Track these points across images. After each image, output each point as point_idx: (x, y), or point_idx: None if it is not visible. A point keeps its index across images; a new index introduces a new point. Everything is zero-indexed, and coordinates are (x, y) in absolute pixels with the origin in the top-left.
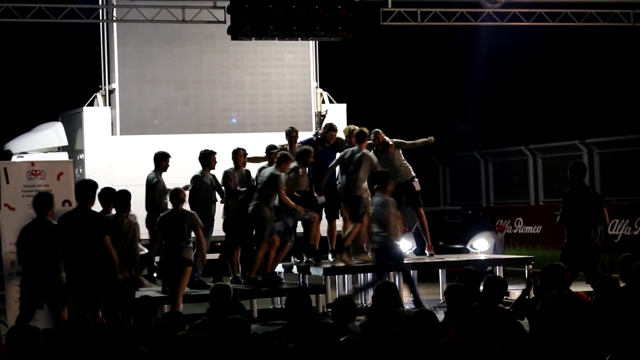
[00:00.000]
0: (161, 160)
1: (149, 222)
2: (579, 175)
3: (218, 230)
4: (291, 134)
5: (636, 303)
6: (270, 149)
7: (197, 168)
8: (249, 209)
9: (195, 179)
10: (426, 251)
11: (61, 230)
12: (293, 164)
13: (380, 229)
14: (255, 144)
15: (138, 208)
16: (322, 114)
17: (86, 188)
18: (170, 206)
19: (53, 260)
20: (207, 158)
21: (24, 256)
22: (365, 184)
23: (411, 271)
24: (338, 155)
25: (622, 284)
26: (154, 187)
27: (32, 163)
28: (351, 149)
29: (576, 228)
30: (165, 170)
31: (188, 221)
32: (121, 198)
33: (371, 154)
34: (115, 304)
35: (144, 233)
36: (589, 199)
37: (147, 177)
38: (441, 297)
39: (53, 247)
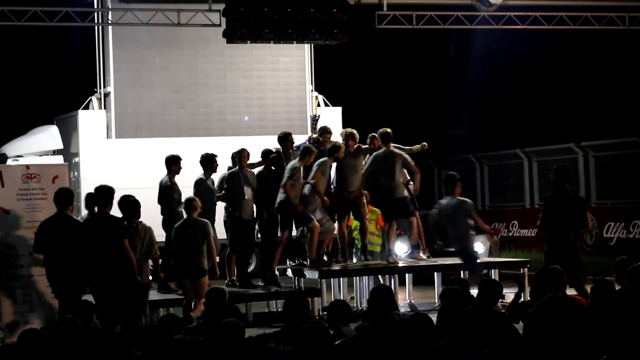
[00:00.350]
0: (172, 163)
1: (165, 226)
2: (563, 179)
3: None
4: (287, 139)
5: (631, 306)
6: (267, 153)
7: (192, 171)
8: (276, 205)
9: (198, 183)
10: (421, 254)
11: (83, 235)
12: (323, 160)
13: (456, 229)
14: (250, 147)
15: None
16: (315, 117)
17: (104, 193)
18: (184, 214)
19: (75, 253)
20: (210, 161)
21: (47, 249)
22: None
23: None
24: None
25: (617, 287)
26: (169, 190)
27: (27, 166)
28: (381, 151)
29: (556, 232)
30: (177, 173)
31: (201, 230)
32: (132, 206)
33: (400, 152)
34: (138, 305)
35: (160, 235)
36: (571, 203)
37: (160, 182)
38: (436, 300)
39: (74, 241)
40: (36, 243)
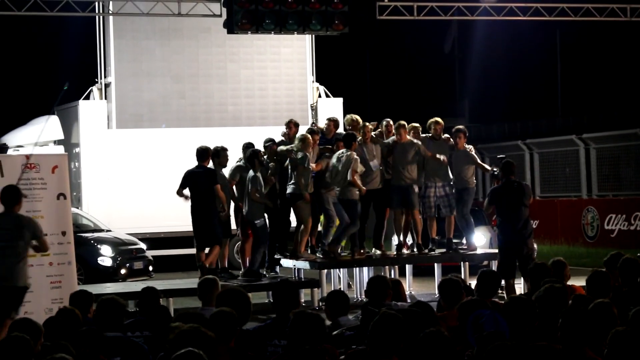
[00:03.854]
0: (215, 156)
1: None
2: (508, 172)
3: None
4: (290, 125)
5: (628, 297)
6: (267, 142)
7: (193, 161)
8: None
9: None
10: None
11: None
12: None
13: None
14: (251, 138)
15: (133, 199)
16: (312, 105)
17: (203, 151)
18: None
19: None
20: (218, 155)
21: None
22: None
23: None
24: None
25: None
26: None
27: (27, 156)
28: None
29: (504, 224)
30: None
31: None
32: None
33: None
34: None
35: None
36: (515, 192)
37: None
38: (436, 292)
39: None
40: None
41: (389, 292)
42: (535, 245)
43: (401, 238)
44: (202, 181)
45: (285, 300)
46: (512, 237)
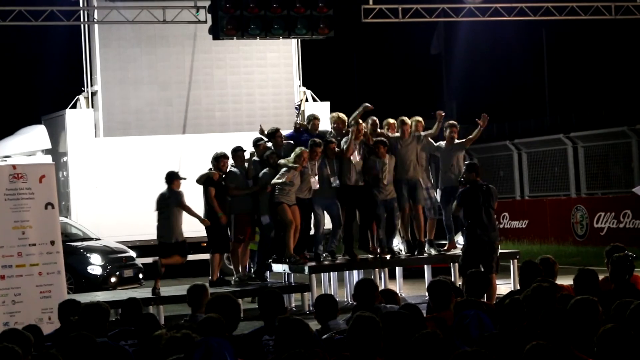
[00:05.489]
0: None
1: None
2: (473, 173)
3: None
4: (275, 135)
5: (616, 294)
6: (257, 141)
7: (181, 167)
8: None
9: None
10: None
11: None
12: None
13: None
14: (240, 143)
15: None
16: (297, 105)
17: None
18: None
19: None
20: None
21: None
22: None
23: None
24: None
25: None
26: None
27: (14, 166)
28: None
29: (472, 225)
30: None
31: None
32: None
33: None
34: None
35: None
36: (484, 195)
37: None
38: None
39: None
40: None
41: (376, 295)
42: (499, 248)
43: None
44: (168, 203)
45: (271, 309)
46: (481, 239)
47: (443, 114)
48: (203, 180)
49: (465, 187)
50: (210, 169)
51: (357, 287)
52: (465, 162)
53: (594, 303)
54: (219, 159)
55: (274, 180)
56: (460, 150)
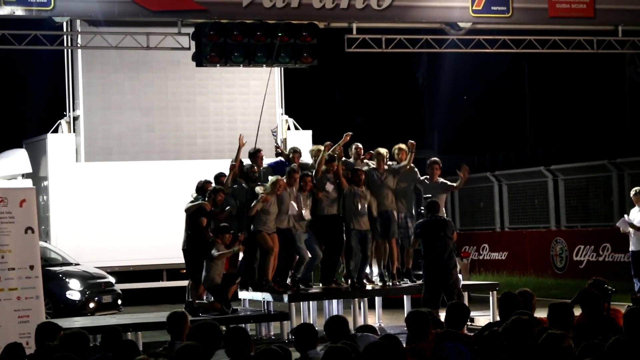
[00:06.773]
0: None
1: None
2: (433, 210)
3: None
4: (257, 155)
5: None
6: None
7: (162, 194)
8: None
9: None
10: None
11: None
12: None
13: None
14: (221, 170)
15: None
16: (274, 131)
17: None
18: None
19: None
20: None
21: None
22: None
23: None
24: None
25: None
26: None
27: None
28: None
29: (429, 256)
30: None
31: None
32: None
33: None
34: None
35: None
36: (439, 226)
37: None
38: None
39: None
40: None
41: (347, 329)
42: (460, 276)
43: (381, 268)
44: None
45: (238, 347)
46: (437, 269)
47: (414, 143)
48: (193, 210)
49: (421, 220)
50: (197, 197)
51: (328, 326)
52: (428, 200)
53: (564, 337)
54: (216, 192)
55: (249, 212)
56: (444, 192)
